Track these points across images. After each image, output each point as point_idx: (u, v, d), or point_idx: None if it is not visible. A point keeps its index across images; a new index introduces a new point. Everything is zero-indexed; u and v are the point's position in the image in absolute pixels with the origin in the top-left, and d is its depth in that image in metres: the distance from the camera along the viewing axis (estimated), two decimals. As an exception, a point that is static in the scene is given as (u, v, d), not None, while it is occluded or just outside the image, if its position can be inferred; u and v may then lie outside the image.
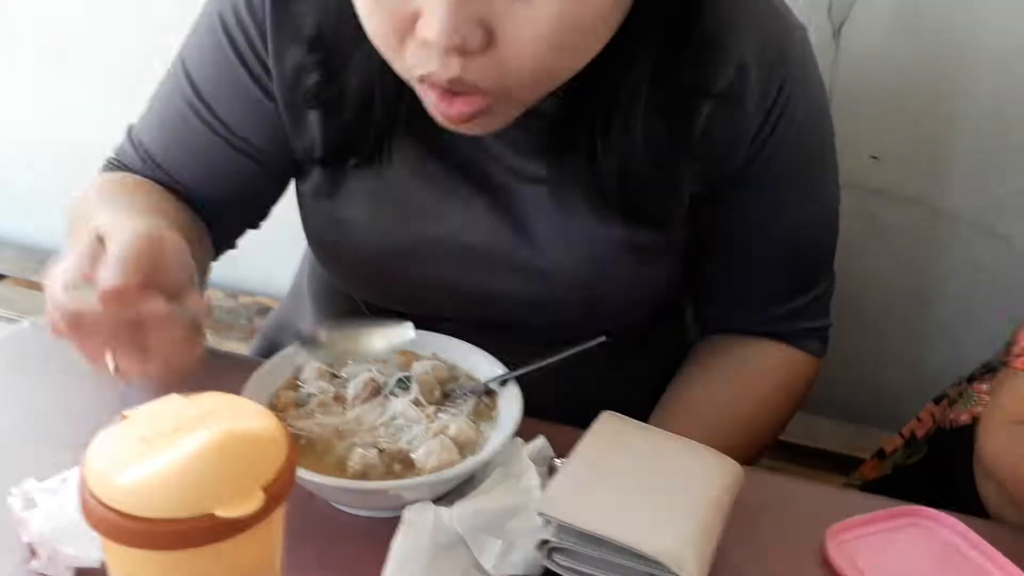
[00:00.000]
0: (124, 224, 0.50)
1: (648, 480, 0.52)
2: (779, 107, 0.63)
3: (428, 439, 0.53)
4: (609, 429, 0.56)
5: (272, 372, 0.58)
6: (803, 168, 0.68)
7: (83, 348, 0.49)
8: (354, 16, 0.52)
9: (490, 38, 0.47)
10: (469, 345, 0.61)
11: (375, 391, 0.57)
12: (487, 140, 0.63)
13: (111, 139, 0.73)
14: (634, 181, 0.60)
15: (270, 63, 0.64)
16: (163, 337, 0.48)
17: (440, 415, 0.56)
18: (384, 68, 0.55)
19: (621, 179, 0.60)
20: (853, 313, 1.19)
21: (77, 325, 0.47)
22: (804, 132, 0.66)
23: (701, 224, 0.68)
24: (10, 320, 1.29)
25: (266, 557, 0.36)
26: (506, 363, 0.59)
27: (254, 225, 0.75)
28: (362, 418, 0.55)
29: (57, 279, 0.48)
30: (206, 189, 0.69)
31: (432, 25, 0.46)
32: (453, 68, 0.48)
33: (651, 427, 0.57)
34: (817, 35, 1.04)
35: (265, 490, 0.32)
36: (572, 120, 0.59)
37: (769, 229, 0.69)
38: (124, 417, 0.34)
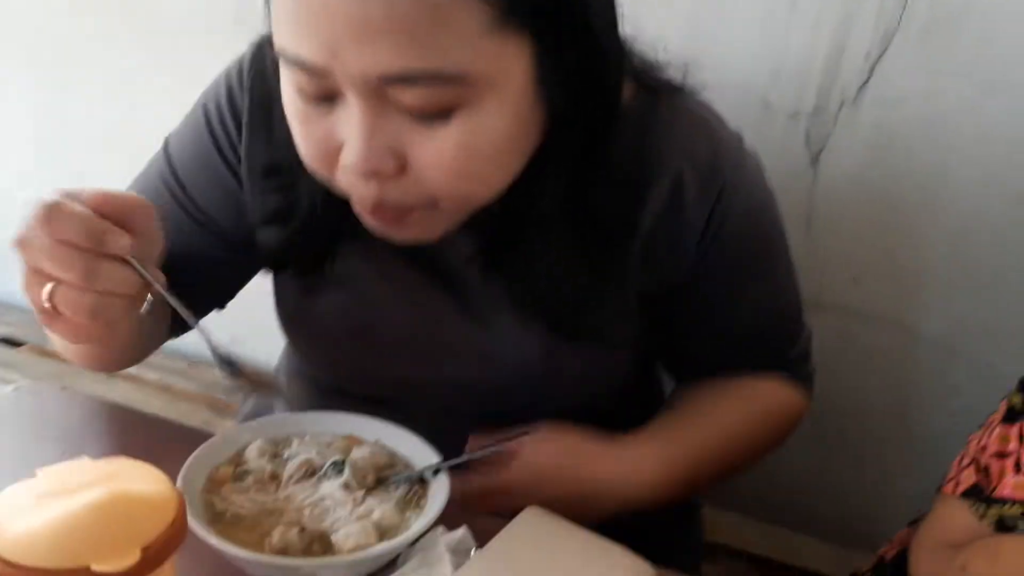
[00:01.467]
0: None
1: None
2: (719, 213, 0.66)
3: (351, 522, 0.56)
4: (530, 524, 0.58)
5: (218, 446, 0.62)
6: (753, 261, 0.71)
7: (38, 260, 0.49)
8: (295, 150, 0.58)
9: (402, 164, 0.53)
10: (412, 434, 0.64)
11: (310, 472, 0.60)
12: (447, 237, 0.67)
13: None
14: (554, 298, 0.63)
15: (242, 154, 0.70)
16: (110, 271, 0.50)
17: (368, 500, 0.58)
18: (328, 196, 0.60)
19: (542, 296, 0.64)
20: (834, 432, 1.20)
21: (48, 219, 0.48)
22: (748, 231, 0.69)
23: (661, 316, 0.71)
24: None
25: (150, 615, 0.38)
26: (452, 449, 0.62)
27: (219, 305, 0.77)
28: (292, 497, 0.58)
29: (39, 202, 0.49)
30: (174, 263, 0.70)
31: (350, 155, 0.52)
32: (373, 190, 0.54)
33: (573, 524, 0.59)
34: (795, 163, 1.10)
35: (144, 550, 0.36)
36: (498, 240, 0.63)
37: (727, 318, 0.72)
38: (35, 474, 0.38)
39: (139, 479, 0.38)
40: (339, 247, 0.67)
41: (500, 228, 0.62)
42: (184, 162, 0.72)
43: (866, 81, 1.04)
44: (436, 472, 0.61)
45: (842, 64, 1.04)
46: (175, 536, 0.37)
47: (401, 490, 0.60)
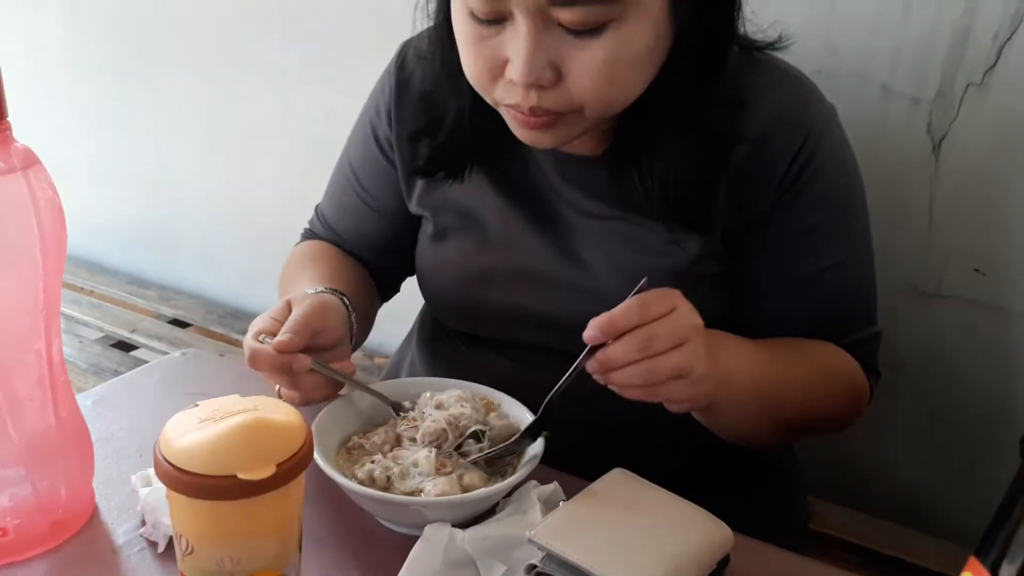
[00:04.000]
0: (305, 295, 0.71)
1: (636, 527, 0.58)
2: (805, 153, 0.72)
3: (434, 478, 0.62)
4: (615, 481, 0.63)
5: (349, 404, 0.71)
6: (830, 213, 0.75)
7: (264, 376, 0.69)
8: (449, 75, 0.72)
9: (559, 76, 0.63)
10: (514, 401, 0.71)
11: (438, 443, 0.66)
12: (556, 182, 0.77)
13: (284, 210, 0.95)
14: (675, 186, 0.70)
15: (393, 138, 0.83)
16: (306, 380, 0.68)
17: (459, 468, 0.64)
18: (472, 111, 0.73)
19: (664, 186, 0.70)
20: (956, 426, 1.17)
21: (254, 361, 0.67)
22: (829, 179, 0.74)
23: (739, 264, 0.77)
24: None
25: (283, 521, 0.47)
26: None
27: (409, 271, 0.92)
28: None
29: (254, 328, 0.69)
30: (364, 243, 0.90)
31: (516, 69, 0.63)
32: (532, 99, 0.64)
33: (655, 486, 0.63)
34: (916, 151, 1.08)
35: (279, 466, 0.44)
36: (623, 154, 0.73)
37: (801, 267, 0.76)
38: (196, 405, 0.47)
39: (276, 411, 0.47)
40: (473, 168, 0.78)
41: (632, 129, 0.71)
42: (358, 159, 0.89)
43: (993, 64, 1.01)
44: (535, 437, 0.67)
45: (967, 46, 1.01)
46: (304, 458, 0.45)
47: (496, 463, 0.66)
